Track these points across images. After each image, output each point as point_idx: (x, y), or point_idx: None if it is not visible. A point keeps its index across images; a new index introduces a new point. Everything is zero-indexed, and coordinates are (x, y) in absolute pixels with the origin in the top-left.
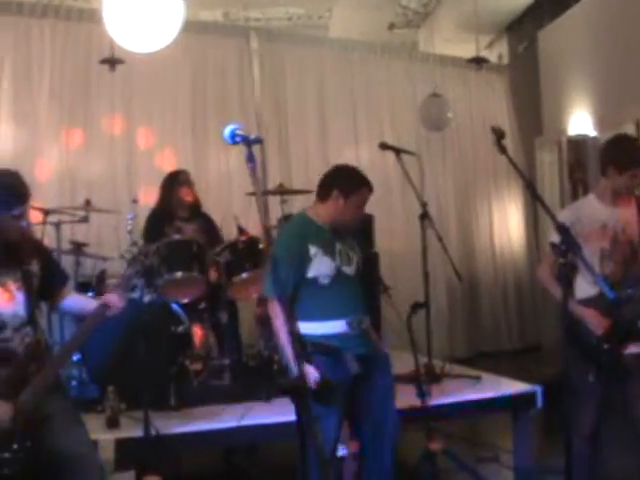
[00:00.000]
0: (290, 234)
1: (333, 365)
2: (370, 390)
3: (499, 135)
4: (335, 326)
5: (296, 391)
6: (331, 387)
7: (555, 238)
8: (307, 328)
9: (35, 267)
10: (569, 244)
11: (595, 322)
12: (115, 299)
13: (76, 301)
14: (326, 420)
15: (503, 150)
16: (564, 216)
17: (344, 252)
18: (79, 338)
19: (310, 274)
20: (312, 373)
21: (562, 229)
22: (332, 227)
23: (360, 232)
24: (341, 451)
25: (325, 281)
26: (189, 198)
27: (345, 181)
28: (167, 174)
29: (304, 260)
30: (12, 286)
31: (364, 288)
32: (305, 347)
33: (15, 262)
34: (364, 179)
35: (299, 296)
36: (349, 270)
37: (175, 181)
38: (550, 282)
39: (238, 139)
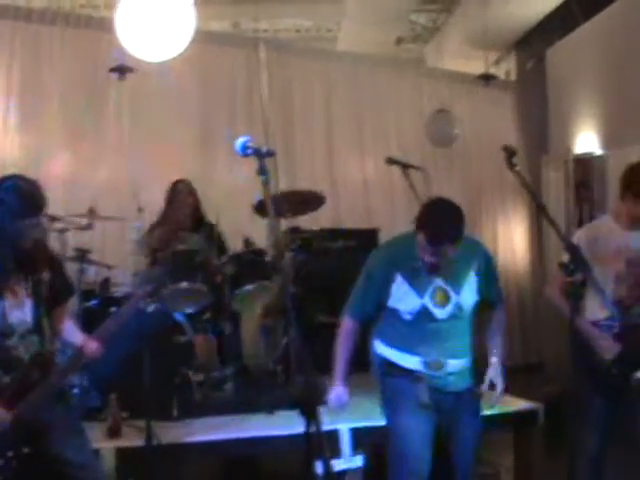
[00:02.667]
0: (380, 255)
1: (409, 384)
2: (454, 429)
3: (510, 153)
4: (409, 361)
5: (307, 404)
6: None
7: (565, 258)
8: (384, 351)
9: (46, 276)
10: (578, 263)
11: (605, 346)
12: (93, 348)
13: (69, 331)
14: (407, 434)
15: (513, 168)
16: (580, 236)
17: (441, 290)
18: (64, 370)
19: (391, 304)
20: (342, 395)
21: (571, 247)
22: None
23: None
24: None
25: (407, 317)
26: (189, 207)
27: (419, 214)
28: (170, 185)
29: (386, 287)
30: (22, 292)
31: (467, 331)
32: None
33: (27, 270)
34: (427, 225)
35: (382, 316)
36: (441, 312)
37: (175, 190)
38: (560, 301)
39: (250, 151)
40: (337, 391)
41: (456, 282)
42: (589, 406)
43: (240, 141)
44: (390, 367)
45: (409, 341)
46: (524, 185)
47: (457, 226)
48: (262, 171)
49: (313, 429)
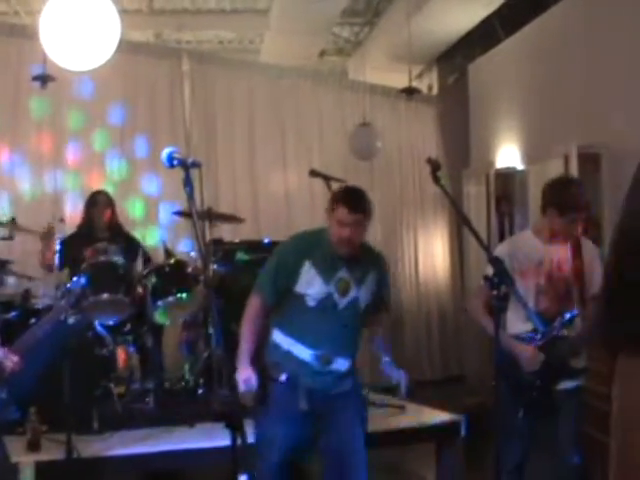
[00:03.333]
0: (290, 243)
1: (286, 393)
2: (329, 430)
3: (435, 167)
4: (301, 352)
5: (232, 417)
6: (257, 401)
7: (489, 271)
8: (278, 337)
9: None
10: (502, 277)
11: (529, 357)
12: (13, 360)
13: None
14: (271, 444)
15: (438, 182)
16: (501, 250)
17: (345, 282)
18: None
19: (297, 289)
20: (249, 378)
21: (495, 261)
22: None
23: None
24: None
25: (312, 303)
26: (107, 219)
27: (331, 198)
28: (89, 195)
29: (294, 271)
30: None
31: (358, 329)
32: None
33: None
34: (343, 197)
35: (284, 306)
36: (341, 301)
37: (93, 202)
38: (482, 315)
39: (176, 162)
40: (245, 374)
41: (358, 278)
42: (510, 421)
43: (166, 151)
44: (277, 365)
45: (306, 331)
46: (448, 199)
47: (369, 201)
48: (187, 182)
49: (238, 442)
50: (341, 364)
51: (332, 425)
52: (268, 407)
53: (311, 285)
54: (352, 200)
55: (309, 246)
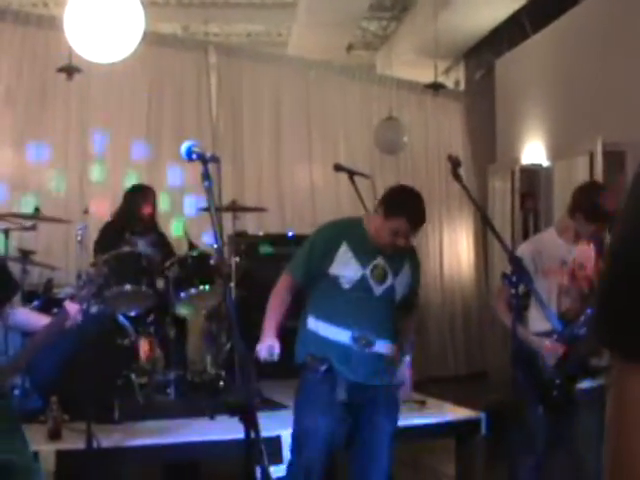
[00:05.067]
0: (327, 226)
1: (324, 384)
2: (362, 422)
3: (455, 163)
4: (340, 335)
5: (244, 410)
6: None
7: (508, 269)
8: (313, 324)
9: None
10: (520, 275)
11: (549, 348)
12: (75, 310)
13: (25, 316)
14: (313, 435)
15: (458, 179)
16: (525, 249)
17: (381, 268)
18: (30, 349)
19: (332, 270)
20: (273, 346)
21: (514, 260)
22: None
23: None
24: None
25: (346, 286)
26: (150, 215)
27: (390, 202)
28: (133, 187)
29: (330, 252)
30: None
31: (395, 318)
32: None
33: None
34: (406, 210)
35: (317, 291)
36: (377, 288)
37: (143, 197)
38: (504, 314)
39: (194, 156)
40: (268, 342)
41: (395, 268)
42: (531, 416)
43: (185, 145)
44: (313, 358)
45: (342, 313)
46: (468, 196)
47: (425, 208)
48: (206, 176)
49: (252, 435)
50: (382, 347)
51: (365, 417)
52: (307, 399)
53: (346, 266)
54: (415, 213)
55: (347, 230)
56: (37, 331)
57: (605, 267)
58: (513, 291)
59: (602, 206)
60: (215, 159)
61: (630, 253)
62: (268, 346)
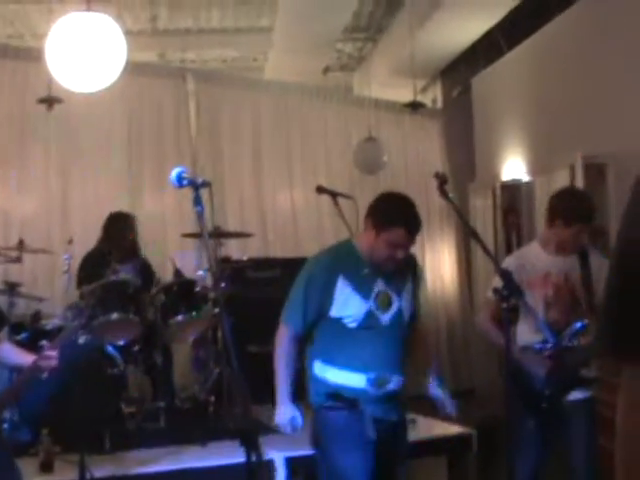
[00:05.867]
0: (319, 259)
1: (352, 422)
2: (386, 460)
3: (442, 180)
4: (354, 379)
5: (247, 434)
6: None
7: (498, 283)
8: (324, 372)
9: None
10: (511, 289)
11: (538, 361)
12: (53, 356)
13: (10, 352)
14: (360, 474)
15: (446, 196)
16: (509, 262)
17: (384, 294)
18: (13, 390)
19: (334, 313)
20: (295, 417)
21: (504, 274)
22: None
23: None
24: None
25: (352, 324)
26: (132, 242)
27: (381, 213)
28: (113, 215)
29: (328, 292)
30: None
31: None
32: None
33: None
34: (402, 217)
35: (321, 333)
36: (384, 317)
37: (124, 225)
38: (490, 328)
39: (185, 182)
40: (289, 414)
41: (397, 287)
42: (522, 429)
43: (176, 171)
44: (332, 397)
45: (353, 355)
46: (456, 212)
47: (419, 214)
48: (197, 202)
49: (253, 459)
50: (396, 383)
51: (389, 455)
52: (342, 438)
53: (349, 305)
54: (412, 221)
55: (340, 260)
56: (21, 371)
57: (611, 278)
58: (505, 305)
59: (579, 206)
60: (206, 184)
61: (637, 264)
62: (291, 419)
